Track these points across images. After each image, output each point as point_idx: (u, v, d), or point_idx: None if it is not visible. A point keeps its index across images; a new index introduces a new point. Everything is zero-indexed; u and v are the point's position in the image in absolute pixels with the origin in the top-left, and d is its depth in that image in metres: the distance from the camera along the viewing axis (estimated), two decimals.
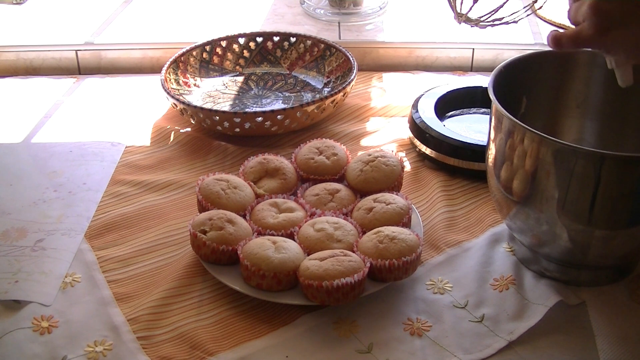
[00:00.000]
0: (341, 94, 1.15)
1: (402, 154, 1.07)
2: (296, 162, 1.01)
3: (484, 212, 0.98)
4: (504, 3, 1.14)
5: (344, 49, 1.25)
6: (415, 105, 1.13)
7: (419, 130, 1.08)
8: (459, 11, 1.16)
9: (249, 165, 1.00)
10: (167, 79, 1.20)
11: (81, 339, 0.81)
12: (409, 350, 0.79)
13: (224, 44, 1.30)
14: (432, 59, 1.36)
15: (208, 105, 1.19)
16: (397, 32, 1.40)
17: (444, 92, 1.16)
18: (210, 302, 0.85)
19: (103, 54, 1.37)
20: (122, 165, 1.09)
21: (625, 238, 0.81)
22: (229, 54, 1.31)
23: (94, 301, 0.86)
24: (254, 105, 1.21)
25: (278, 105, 1.21)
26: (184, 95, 1.21)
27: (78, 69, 1.37)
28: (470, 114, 1.17)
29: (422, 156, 1.09)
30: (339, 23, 1.44)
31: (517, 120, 0.78)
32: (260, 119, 1.10)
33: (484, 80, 1.19)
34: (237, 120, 1.10)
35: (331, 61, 1.27)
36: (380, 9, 1.47)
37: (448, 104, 1.15)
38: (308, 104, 1.11)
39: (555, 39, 0.74)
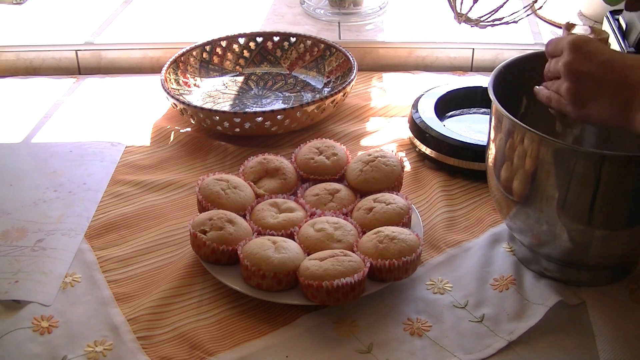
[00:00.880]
0: (341, 94, 1.15)
1: (402, 154, 1.07)
2: (296, 162, 1.01)
3: (484, 212, 0.98)
4: (504, 3, 1.14)
5: (344, 49, 1.25)
6: (415, 105, 1.13)
7: (419, 130, 1.08)
8: (459, 11, 1.16)
9: (249, 165, 1.00)
10: (167, 79, 1.20)
11: (81, 339, 0.81)
12: (409, 350, 0.79)
13: (224, 44, 1.30)
14: (432, 59, 1.36)
15: (208, 105, 1.19)
16: (397, 32, 1.40)
17: (444, 92, 1.16)
18: (210, 302, 0.85)
19: (103, 54, 1.37)
20: (122, 165, 1.09)
21: (625, 238, 0.81)
22: (229, 54, 1.31)
23: (94, 301, 0.86)
24: (254, 105, 1.21)
25: (278, 105, 1.21)
26: (184, 95, 1.21)
27: (78, 69, 1.37)
28: (470, 114, 1.17)
29: (422, 156, 1.09)
30: (339, 23, 1.44)
31: (517, 120, 0.78)
32: (260, 119, 1.10)
33: (484, 80, 1.19)
34: (237, 120, 1.10)
35: (331, 61, 1.27)
36: (380, 9, 1.47)
37: (448, 104, 1.15)
38: (308, 104, 1.11)
39: (546, 99, 0.82)
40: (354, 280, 0.80)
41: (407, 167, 1.07)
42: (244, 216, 0.92)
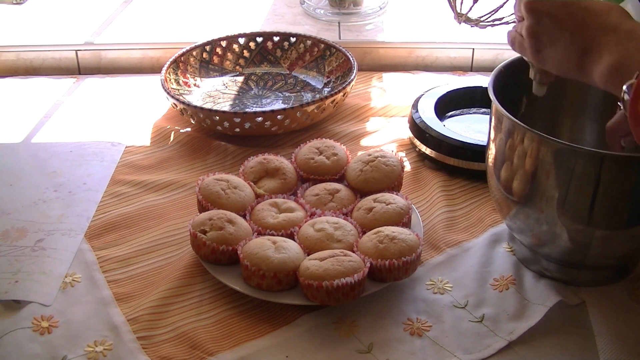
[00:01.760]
0: (341, 94, 1.15)
1: (402, 154, 1.07)
2: (296, 162, 1.01)
3: (484, 212, 0.98)
4: (504, 3, 1.14)
5: (344, 49, 1.25)
6: (415, 105, 1.13)
7: (419, 130, 1.08)
8: (459, 11, 1.16)
9: (249, 165, 1.00)
10: (167, 79, 1.20)
11: (81, 339, 0.81)
12: (409, 350, 0.79)
13: (224, 44, 1.30)
14: (432, 59, 1.36)
15: (208, 105, 1.19)
16: (397, 32, 1.40)
17: (444, 92, 1.16)
18: (210, 302, 0.85)
19: (103, 54, 1.37)
20: (122, 165, 1.09)
21: (625, 238, 0.81)
22: (229, 54, 1.31)
23: (94, 301, 0.86)
24: (254, 105, 1.21)
25: (278, 105, 1.21)
26: (184, 95, 1.21)
27: (78, 69, 1.37)
28: (470, 114, 1.17)
29: (422, 156, 1.09)
30: (339, 23, 1.44)
31: (517, 120, 0.78)
32: (260, 119, 1.10)
33: (484, 80, 1.19)
34: (237, 120, 1.10)
35: (331, 61, 1.27)
36: (380, 9, 1.47)
37: (448, 104, 1.15)
38: (308, 104, 1.11)
39: (510, 40, 0.80)
40: (354, 280, 0.80)
41: (407, 167, 1.07)
42: (244, 216, 0.92)
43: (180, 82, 1.24)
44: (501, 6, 1.14)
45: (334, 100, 1.14)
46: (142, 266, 0.91)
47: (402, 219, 0.90)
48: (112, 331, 0.82)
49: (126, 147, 1.13)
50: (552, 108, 0.94)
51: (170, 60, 1.23)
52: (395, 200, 0.92)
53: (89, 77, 1.34)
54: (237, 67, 1.31)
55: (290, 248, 0.85)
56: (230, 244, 0.86)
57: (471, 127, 1.12)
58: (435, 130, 1.07)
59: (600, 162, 0.74)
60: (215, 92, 1.25)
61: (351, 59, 1.22)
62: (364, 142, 1.14)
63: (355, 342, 0.80)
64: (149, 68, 1.36)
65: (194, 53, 1.27)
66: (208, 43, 1.29)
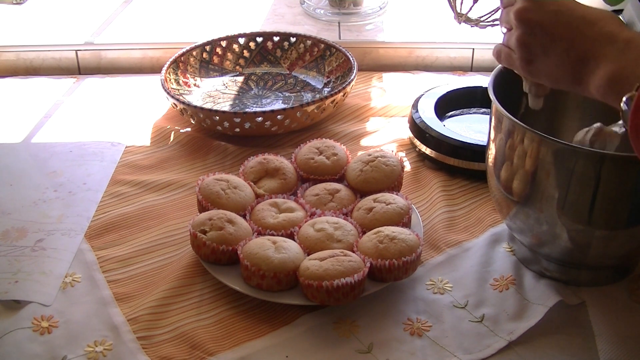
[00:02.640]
0: (341, 94, 1.15)
1: (402, 154, 1.07)
2: (296, 162, 1.01)
3: (484, 212, 0.98)
4: None
5: (344, 49, 1.25)
6: (415, 105, 1.13)
7: (419, 130, 1.08)
8: (459, 11, 1.16)
9: (249, 165, 1.00)
10: (167, 79, 1.20)
11: (81, 339, 0.81)
12: (409, 350, 0.79)
13: (224, 44, 1.30)
14: (432, 59, 1.36)
15: (208, 105, 1.19)
16: (397, 32, 1.40)
17: (444, 92, 1.16)
18: (210, 302, 0.85)
19: (103, 54, 1.37)
20: (122, 165, 1.09)
21: (625, 238, 0.81)
22: (229, 54, 1.31)
23: (94, 301, 0.86)
24: (254, 105, 1.21)
25: (278, 105, 1.21)
26: (184, 95, 1.21)
27: (78, 69, 1.37)
28: (470, 114, 1.17)
29: (422, 156, 1.09)
30: (339, 23, 1.44)
31: (517, 120, 0.78)
32: (260, 119, 1.10)
33: (484, 80, 1.19)
34: (237, 120, 1.10)
35: (331, 61, 1.27)
36: (380, 9, 1.47)
37: (448, 104, 1.15)
38: (308, 104, 1.11)
39: (496, 53, 0.78)
40: (354, 280, 0.80)
41: (407, 167, 1.07)
42: (244, 216, 0.92)
43: (180, 82, 1.24)
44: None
45: (334, 100, 1.14)
46: (142, 266, 0.91)
47: (402, 219, 0.90)
48: (112, 331, 0.82)
49: (126, 147, 1.13)
50: (552, 108, 0.94)
51: (170, 60, 1.23)
52: (395, 200, 0.92)
53: (89, 77, 1.34)
54: (237, 67, 1.31)
55: (290, 248, 0.85)
56: (230, 244, 0.86)
57: (471, 127, 1.12)
58: (435, 130, 1.07)
59: (600, 162, 0.74)
60: (215, 92, 1.25)
61: (351, 59, 1.22)
62: (364, 142, 1.14)
63: (355, 342, 0.80)
64: (149, 68, 1.36)
65: (194, 53, 1.27)
66: (208, 43, 1.29)
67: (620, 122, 0.75)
